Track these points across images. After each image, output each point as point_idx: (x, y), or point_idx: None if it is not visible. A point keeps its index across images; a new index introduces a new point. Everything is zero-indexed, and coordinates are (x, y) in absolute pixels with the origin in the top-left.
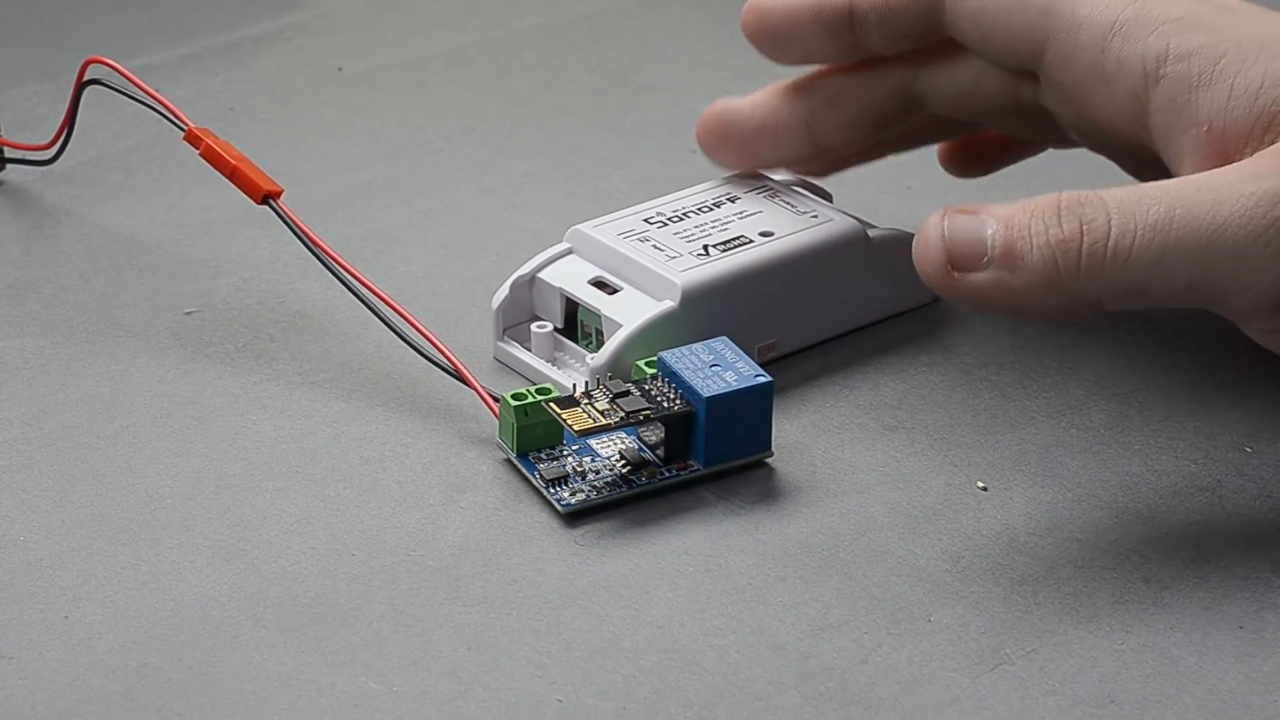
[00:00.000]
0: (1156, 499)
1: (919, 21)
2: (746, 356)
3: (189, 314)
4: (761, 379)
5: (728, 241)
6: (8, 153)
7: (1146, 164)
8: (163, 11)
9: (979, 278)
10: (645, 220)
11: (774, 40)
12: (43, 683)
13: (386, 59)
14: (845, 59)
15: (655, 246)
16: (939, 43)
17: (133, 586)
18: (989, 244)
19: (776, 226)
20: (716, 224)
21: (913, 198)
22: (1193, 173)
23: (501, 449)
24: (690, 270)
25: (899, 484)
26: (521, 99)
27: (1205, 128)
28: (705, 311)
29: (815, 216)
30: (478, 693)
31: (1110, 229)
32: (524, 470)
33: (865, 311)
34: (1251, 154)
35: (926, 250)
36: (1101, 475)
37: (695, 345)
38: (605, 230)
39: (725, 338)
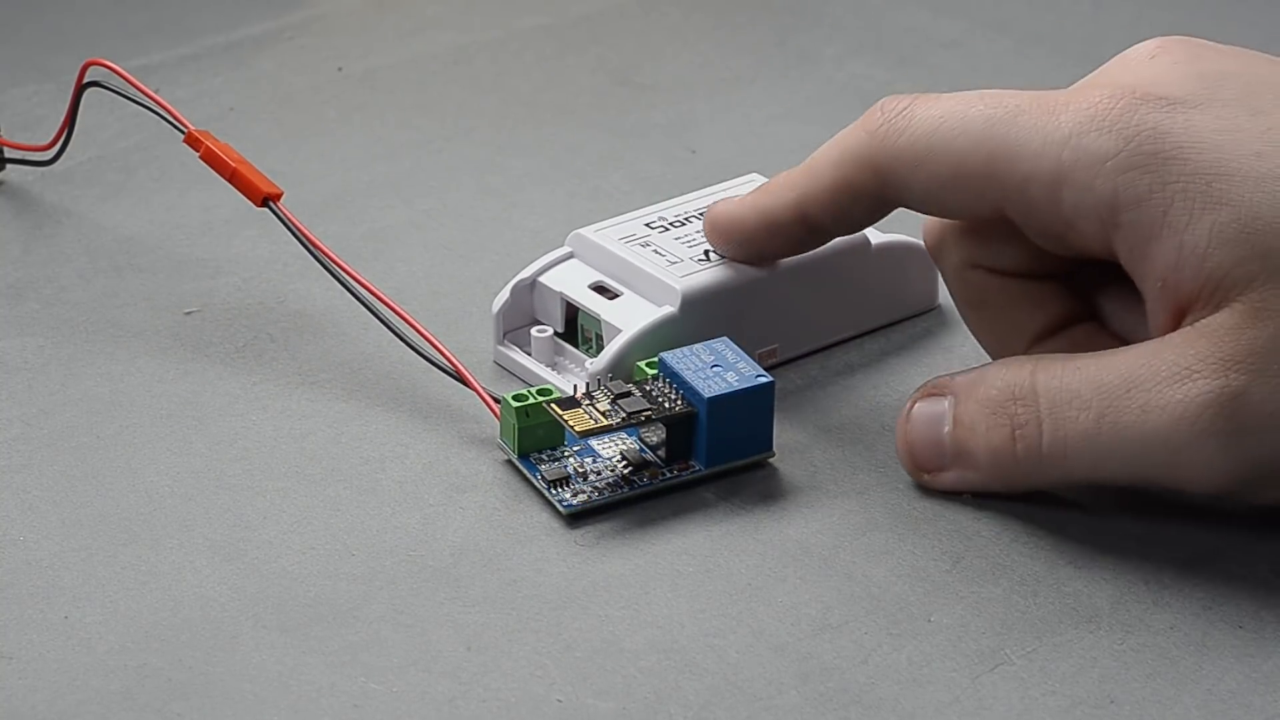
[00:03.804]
0: (1156, 499)
1: (873, 214)
2: (748, 357)
3: (189, 314)
4: (763, 379)
5: None
6: (8, 153)
7: None
8: (163, 11)
9: (945, 477)
10: (646, 225)
11: (739, 251)
12: (43, 683)
13: (386, 59)
14: (817, 246)
15: (656, 251)
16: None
17: (133, 586)
18: (945, 446)
19: None
20: None
21: None
22: (1153, 318)
23: (502, 450)
24: (691, 276)
25: (899, 484)
26: (521, 99)
27: (1160, 283)
28: (705, 317)
29: None
30: (478, 693)
31: (1041, 435)
32: (525, 471)
33: (866, 318)
34: (1199, 315)
35: (899, 452)
36: None
37: (696, 346)
38: (606, 235)
39: (726, 338)
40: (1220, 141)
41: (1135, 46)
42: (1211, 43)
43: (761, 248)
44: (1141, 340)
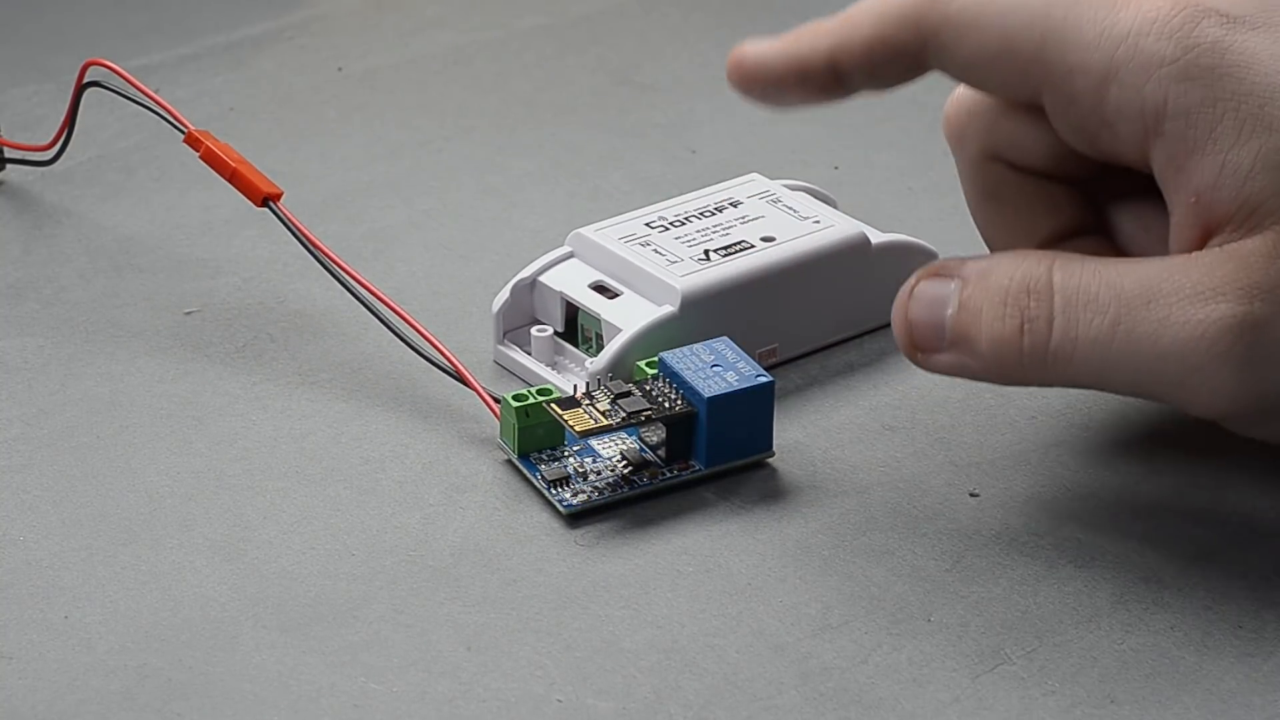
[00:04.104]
0: (1156, 499)
1: (907, 74)
2: (747, 357)
3: (189, 314)
4: (763, 379)
5: (729, 246)
6: (8, 153)
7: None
8: (163, 11)
9: (940, 359)
10: (646, 224)
11: (764, 97)
12: (43, 683)
13: (386, 59)
14: (842, 99)
15: (656, 251)
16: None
17: (133, 586)
18: (947, 327)
19: (778, 232)
20: (718, 229)
21: (914, 199)
22: (1178, 233)
23: (503, 450)
24: (690, 275)
25: (899, 484)
26: (521, 99)
27: (1194, 199)
28: (705, 317)
29: (818, 222)
30: (478, 693)
31: (1050, 332)
32: (525, 471)
33: (866, 318)
34: (1229, 238)
35: (895, 329)
36: (1101, 475)
37: (696, 345)
38: (606, 234)
39: (726, 338)
40: (1276, 64)
41: None
42: None
43: (785, 95)
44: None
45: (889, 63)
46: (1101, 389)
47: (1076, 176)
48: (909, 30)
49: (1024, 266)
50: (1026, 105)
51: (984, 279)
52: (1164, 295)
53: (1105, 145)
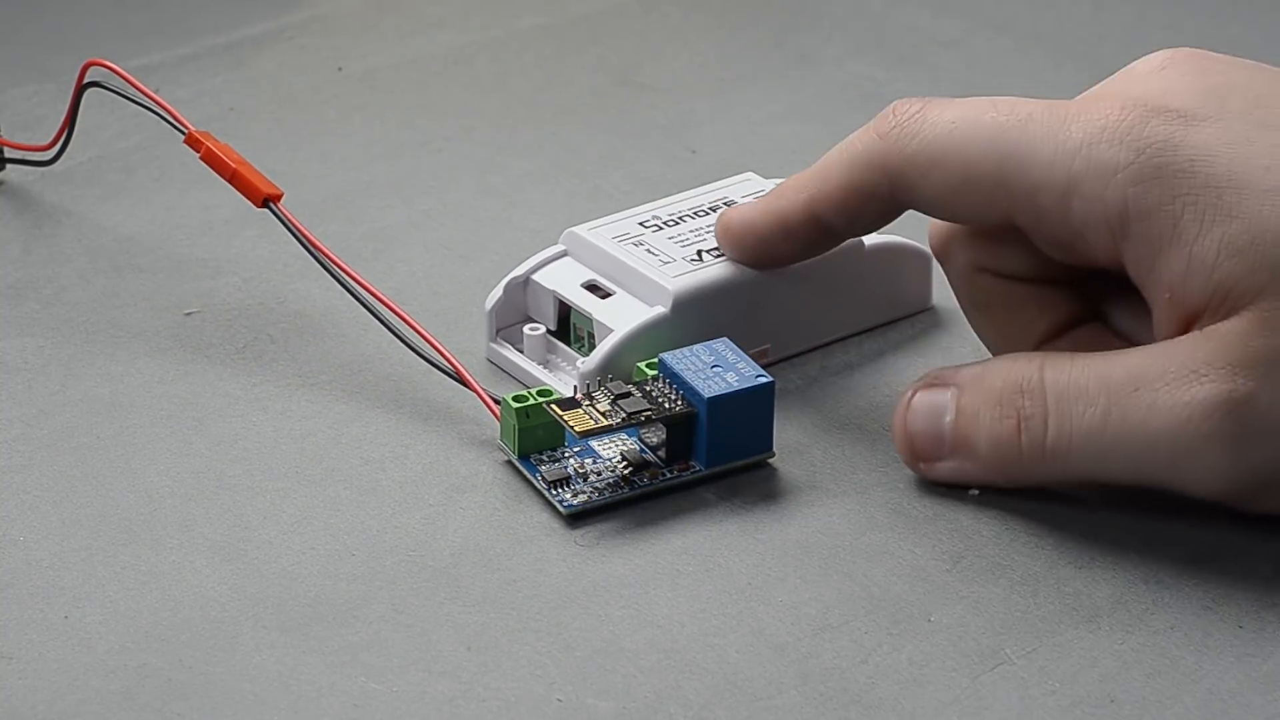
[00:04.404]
0: (1156, 499)
1: (884, 216)
2: (747, 357)
3: (189, 314)
4: (763, 379)
5: None
6: (8, 153)
7: None
8: (163, 11)
9: (943, 467)
10: (641, 224)
11: (752, 257)
12: (43, 683)
13: (386, 59)
14: (829, 248)
15: (649, 251)
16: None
17: (133, 586)
18: (946, 436)
19: None
20: (712, 229)
21: None
22: (1159, 328)
23: (503, 451)
24: (682, 276)
25: (899, 484)
26: (521, 99)
27: (1168, 294)
28: (697, 317)
29: None
30: (478, 693)
31: (1046, 428)
32: (525, 472)
33: (859, 319)
34: (1206, 324)
35: (896, 440)
36: None
37: (696, 346)
38: (600, 233)
39: (726, 339)
40: (1230, 155)
41: (1142, 59)
42: (1218, 54)
43: (775, 251)
44: (1148, 343)
45: (863, 206)
46: (1103, 480)
47: (1064, 278)
48: (877, 173)
49: (1014, 368)
50: (997, 229)
51: (978, 384)
52: (1150, 381)
53: (1082, 253)
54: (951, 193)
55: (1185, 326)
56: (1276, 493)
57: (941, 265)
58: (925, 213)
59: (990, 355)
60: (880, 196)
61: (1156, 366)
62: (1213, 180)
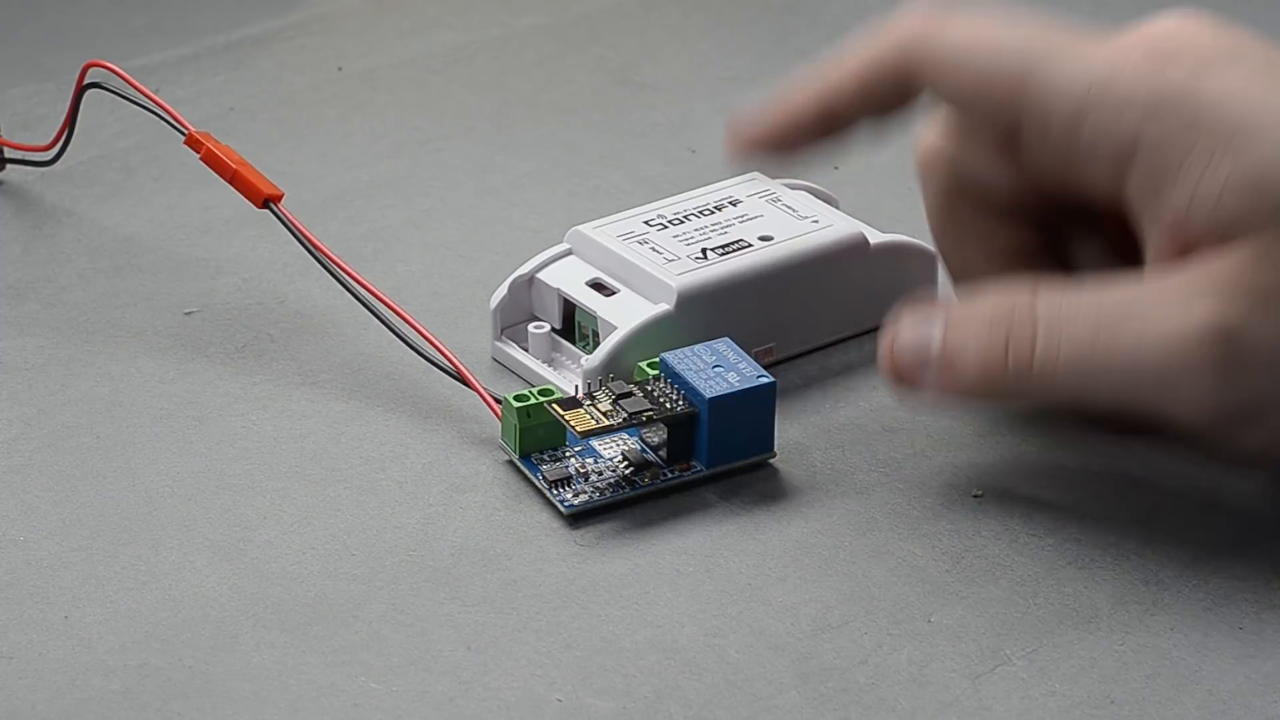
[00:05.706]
0: (1156, 499)
1: (896, 94)
2: (749, 357)
3: (189, 314)
4: (764, 380)
5: (726, 245)
6: (8, 153)
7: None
8: (163, 11)
9: (927, 384)
10: (645, 222)
11: (761, 142)
12: (43, 683)
13: (386, 59)
14: (842, 128)
15: (654, 249)
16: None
17: (133, 586)
18: (933, 355)
19: (776, 231)
20: (716, 227)
21: (914, 199)
22: (1154, 257)
23: (504, 450)
24: (687, 274)
25: (899, 484)
26: (521, 99)
27: (1168, 225)
28: (701, 315)
29: (816, 221)
30: (478, 693)
31: (1034, 347)
32: (527, 472)
33: (864, 318)
34: (1203, 256)
35: (880, 363)
36: (1101, 475)
37: (697, 346)
38: (604, 232)
39: (727, 339)
40: (1244, 99)
41: (1163, 13)
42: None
43: (784, 131)
44: None
45: (878, 83)
46: (1087, 403)
47: (1036, 210)
48: (902, 54)
49: (1007, 293)
50: (993, 142)
51: (969, 307)
52: (1142, 306)
53: (1076, 179)
54: (970, 90)
55: (1181, 258)
56: (1257, 428)
57: (921, 182)
58: (940, 100)
59: (950, 279)
60: (902, 75)
61: (1150, 293)
62: (1225, 121)
